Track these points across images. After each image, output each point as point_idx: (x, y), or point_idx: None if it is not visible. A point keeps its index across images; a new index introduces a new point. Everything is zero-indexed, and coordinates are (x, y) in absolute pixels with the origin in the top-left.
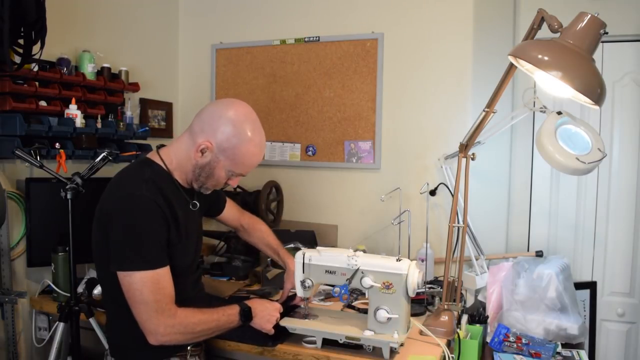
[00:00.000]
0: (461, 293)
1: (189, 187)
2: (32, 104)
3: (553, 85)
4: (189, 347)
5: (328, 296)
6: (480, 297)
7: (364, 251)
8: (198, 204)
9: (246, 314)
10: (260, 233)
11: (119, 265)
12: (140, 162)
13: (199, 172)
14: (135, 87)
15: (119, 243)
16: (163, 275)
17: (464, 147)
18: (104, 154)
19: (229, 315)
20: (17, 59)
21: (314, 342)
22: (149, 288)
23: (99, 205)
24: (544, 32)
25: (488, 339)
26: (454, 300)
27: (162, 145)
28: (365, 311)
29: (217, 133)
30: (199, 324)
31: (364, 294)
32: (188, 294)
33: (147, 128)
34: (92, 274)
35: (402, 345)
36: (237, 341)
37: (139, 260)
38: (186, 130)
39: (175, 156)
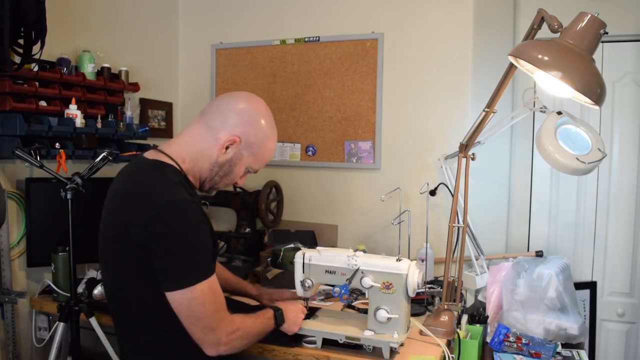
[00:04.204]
0: (461, 293)
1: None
2: (32, 104)
3: (553, 85)
4: None
5: (328, 296)
6: (480, 297)
7: (364, 251)
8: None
9: (280, 318)
10: (218, 269)
11: (178, 284)
12: (152, 165)
13: (217, 170)
14: (135, 87)
15: (173, 259)
16: (216, 281)
17: (464, 147)
18: (104, 154)
19: (268, 319)
20: (17, 59)
21: (314, 342)
22: (209, 299)
23: (124, 224)
24: (544, 32)
25: (488, 339)
26: (454, 300)
27: (156, 146)
28: (365, 311)
29: (246, 127)
30: (253, 327)
31: (364, 294)
32: None
33: (147, 128)
34: (92, 274)
35: (402, 345)
36: (261, 342)
37: (198, 272)
38: (197, 126)
39: (189, 155)
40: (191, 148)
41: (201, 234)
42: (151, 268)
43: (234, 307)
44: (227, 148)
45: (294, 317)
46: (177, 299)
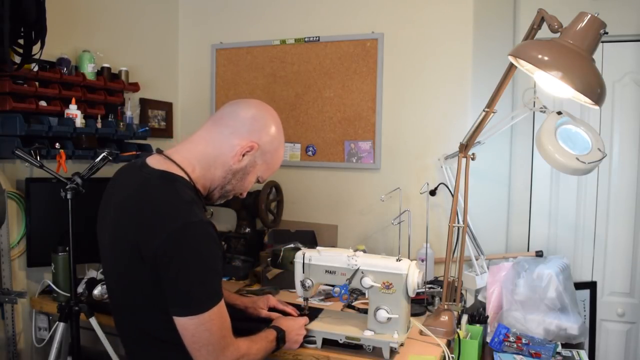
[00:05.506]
0: (461, 293)
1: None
2: (32, 104)
3: (553, 85)
4: None
5: (328, 296)
6: (480, 297)
7: (364, 251)
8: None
9: (282, 340)
10: None
11: (185, 310)
12: (161, 179)
13: (230, 178)
14: (135, 87)
15: (183, 284)
16: (223, 306)
17: (464, 147)
18: (104, 154)
19: (271, 341)
20: (17, 59)
21: (314, 342)
22: (216, 325)
23: (135, 244)
24: (544, 32)
25: (488, 339)
26: (454, 300)
27: (161, 150)
28: (365, 311)
29: (262, 134)
30: (258, 354)
31: (364, 294)
32: None
33: (147, 128)
34: (92, 274)
35: (402, 345)
36: None
37: (207, 298)
38: (209, 132)
39: (200, 162)
40: (203, 155)
41: (214, 257)
42: (163, 290)
43: (239, 321)
44: (243, 155)
45: (294, 336)
46: (183, 323)
